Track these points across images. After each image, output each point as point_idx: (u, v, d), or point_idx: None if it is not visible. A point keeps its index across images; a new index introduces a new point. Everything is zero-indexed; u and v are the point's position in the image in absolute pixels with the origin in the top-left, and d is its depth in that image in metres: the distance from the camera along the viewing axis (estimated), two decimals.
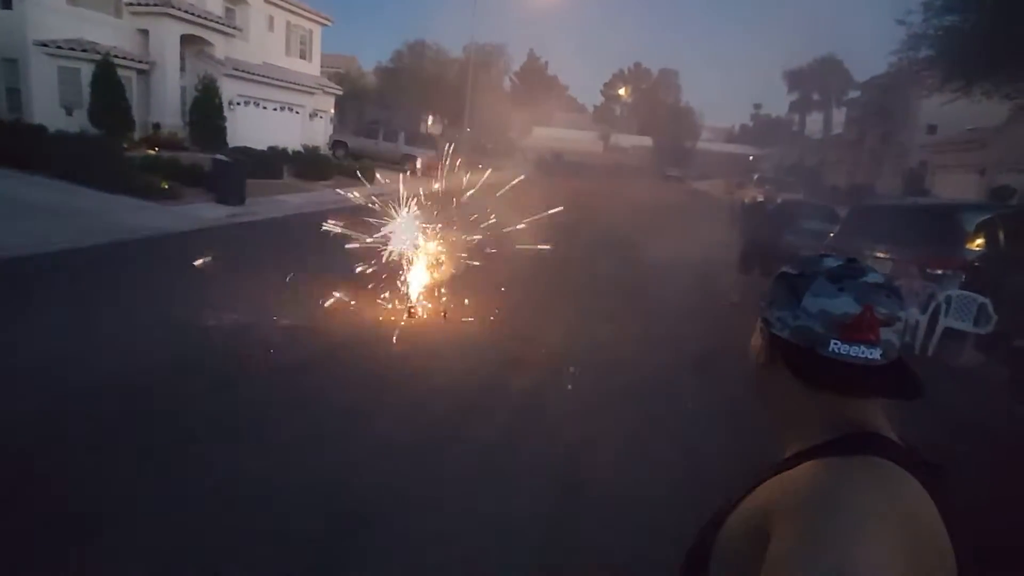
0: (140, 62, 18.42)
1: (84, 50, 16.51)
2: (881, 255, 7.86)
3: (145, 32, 18.77)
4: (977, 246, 7.42)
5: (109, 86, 16.02)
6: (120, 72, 16.72)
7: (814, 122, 52.61)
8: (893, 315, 0.85)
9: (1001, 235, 7.83)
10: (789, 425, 0.92)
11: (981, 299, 6.65)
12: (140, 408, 4.06)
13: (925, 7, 17.31)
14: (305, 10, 26.54)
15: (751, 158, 64.78)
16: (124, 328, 5.50)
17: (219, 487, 3.28)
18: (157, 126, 18.33)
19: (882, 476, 0.78)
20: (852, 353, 0.84)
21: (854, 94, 45.56)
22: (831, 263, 0.90)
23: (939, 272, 7.03)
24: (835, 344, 0.84)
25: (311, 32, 27.71)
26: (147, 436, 3.72)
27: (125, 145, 14.77)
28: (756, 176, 23.94)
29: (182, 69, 19.86)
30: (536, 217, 7.80)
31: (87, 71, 16.27)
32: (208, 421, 4.01)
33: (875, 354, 0.84)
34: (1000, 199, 20.51)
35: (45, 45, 16.14)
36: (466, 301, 7.16)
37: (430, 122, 44.20)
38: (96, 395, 4.18)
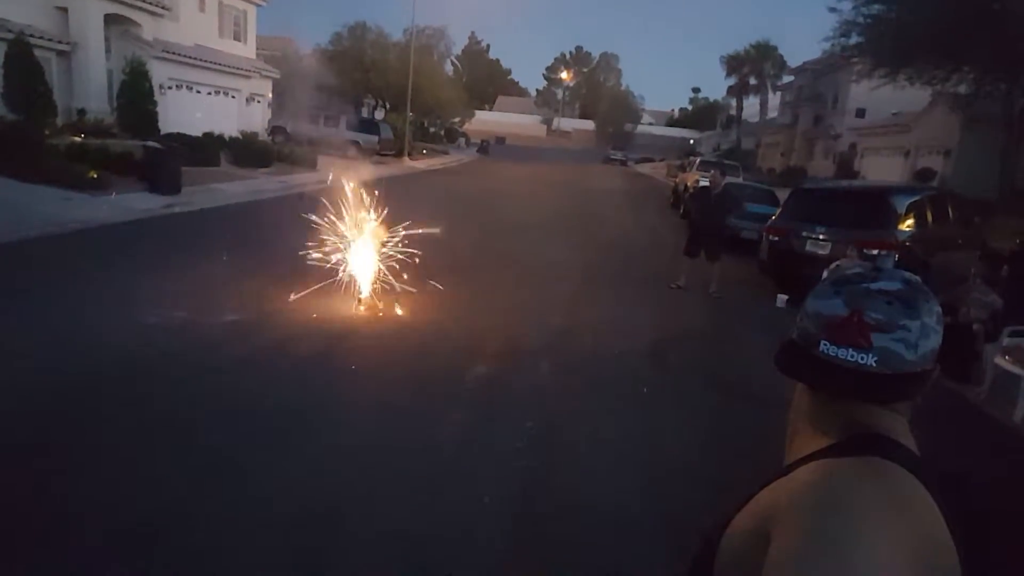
0: (59, 42, 17.28)
1: None
2: (821, 237, 8.19)
3: (64, 10, 17.58)
4: (908, 227, 7.81)
5: (25, 68, 14.95)
6: (37, 53, 15.63)
7: (751, 106, 54.07)
8: (892, 322, 0.84)
9: (928, 216, 8.28)
10: (802, 429, 0.94)
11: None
12: (74, 411, 3.85)
13: None
14: None
15: (691, 141, 66.22)
16: (55, 328, 5.19)
17: (167, 489, 3.16)
18: (82, 111, 17.28)
19: (885, 477, 0.79)
20: (840, 355, 0.85)
21: (788, 79, 47.02)
22: (849, 270, 0.92)
23: (875, 252, 7.38)
24: (824, 345, 0.86)
25: (245, 13, 26.58)
26: (82, 441, 3.54)
27: (47, 132, 13.87)
28: (698, 160, 24.42)
29: (108, 51, 18.74)
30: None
31: None
32: (147, 422, 3.83)
33: (867, 359, 0.84)
34: (923, 181, 21.65)
35: None
36: (416, 290, 7.08)
37: (372, 107, 43.27)
38: (26, 398, 3.94)
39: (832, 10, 18.82)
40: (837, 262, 7.26)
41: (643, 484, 3.73)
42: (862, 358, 0.84)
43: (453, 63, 67.76)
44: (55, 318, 5.41)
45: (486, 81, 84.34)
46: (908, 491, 0.78)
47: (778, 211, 9.75)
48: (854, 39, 19.28)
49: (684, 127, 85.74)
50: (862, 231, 7.70)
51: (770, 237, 9.05)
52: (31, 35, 15.80)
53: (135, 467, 3.34)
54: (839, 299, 0.87)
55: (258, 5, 27.28)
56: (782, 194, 10.98)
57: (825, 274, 0.93)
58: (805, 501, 0.77)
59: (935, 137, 23.87)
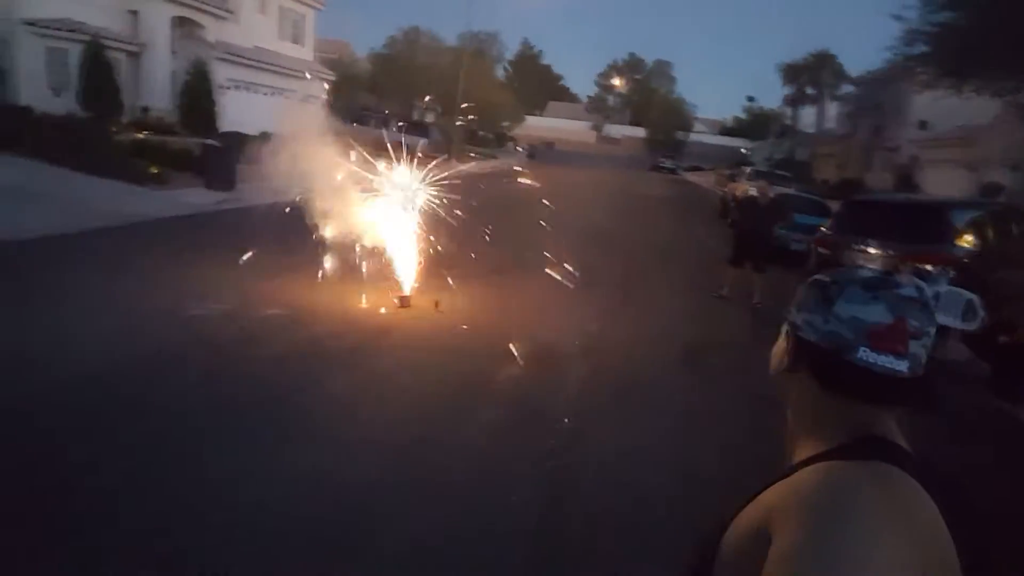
0: (130, 44, 18.16)
1: (72, 30, 16.24)
2: (872, 251, 7.90)
3: (135, 13, 18.49)
4: (967, 243, 7.46)
5: (98, 68, 15.78)
6: (109, 54, 16.48)
7: (807, 116, 52.71)
8: (923, 329, 0.85)
9: (990, 232, 7.89)
10: (805, 431, 0.93)
11: (968, 295, 6.68)
12: (121, 400, 4.01)
13: (923, 2, 17.32)
14: None
15: (743, 151, 64.86)
16: (107, 317, 5.44)
17: (206, 481, 3.26)
18: (146, 109, 18.10)
19: (888, 481, 0.78)
20: (880, 363, 0.84)
21: (847, 89, 45.66)
22: (866, 273, 0.91)
23: (928, 268, 7.07)
24: (864, 351, 0.84)
25: (304, 16, 27.40)
26: (128, 429, 3.68)
27: (113, 128, 14.56)
28: (749, 169, 23.94)
29: (173, 52, 19.59)
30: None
31: (75, 52, 16.02)
32: (192, 412, 3.97)
33: (902, 366, 0.84)
34: (989, 196, 20.68)
35: (33, 24, 15.88)
36: (456, 290, 7.14)
37: (422, 110, 43.87)
38: (73, 387, 4.12)
39: (896, 18, 18.15)
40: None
41: (671, 490, 3.67)
42: (897, 365, 0.84)
43: (505, 68, 68.16)
44: (106, 306, 5.67)
45: (537, 86, 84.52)
46: (911, 496, 0.78)
47: (828, 223, 9.47)
48: (919, 48, 18.56)
49: (737, 136, 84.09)
50: (916, 246, 7.39)
51: (819, 249, 8.79)
52: (105, 37, 16.64)
53: (167, 454, 3.47)
54: (881, 305, 0.85)
55: (316, 9, 28.05)
56: (837, 207, 10.64)
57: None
58: (808, 503, 0.77)
59: (1003, 150, 22.80)
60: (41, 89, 16.04)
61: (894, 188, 28.07)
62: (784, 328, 0.98)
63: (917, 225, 8.02)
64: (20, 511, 2.80)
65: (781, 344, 0.99)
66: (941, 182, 26.74)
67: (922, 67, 19.87)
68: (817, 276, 0.96)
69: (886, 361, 0.84)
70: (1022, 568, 2.66)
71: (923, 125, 31.28)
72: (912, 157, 31.20)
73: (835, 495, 0.76)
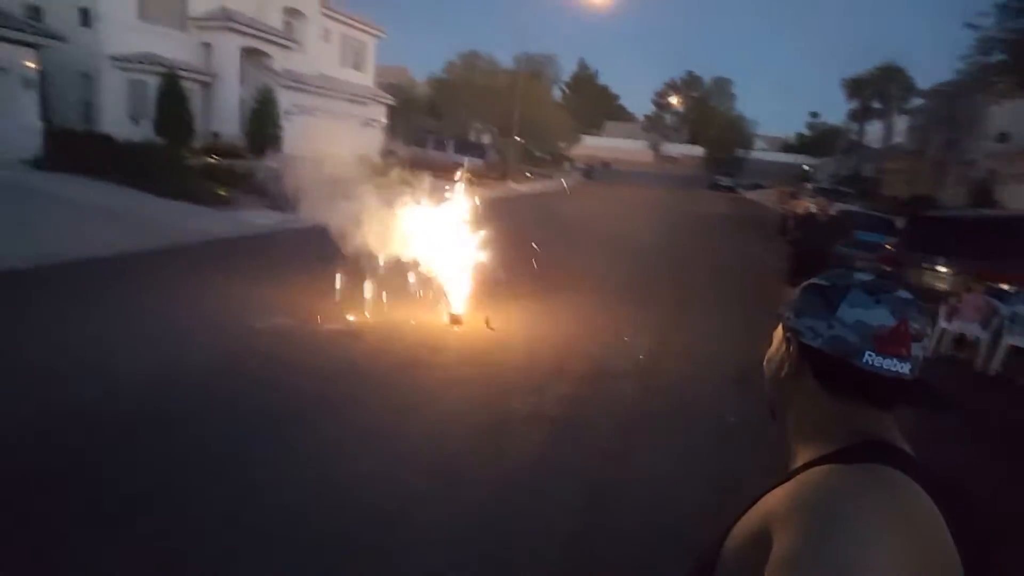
0: (203, 74, 19.22)
1: (152, 64, 17.34)
2: (941, 268, 7.52)
3: (208, 46, 19.59)
4: None
5: (174, 98, 16.77)
6: (184, 84, 17.49)
7: (874, 131, 50.85)
8: (923, 331, 0.85)
9: None
10: (804, 436, 0.92)
11: None
12: (179, 408, 4.21)
13: (999, 9, 16.59)
14: (360, 23, 27.23)
15: (805, 167, 63.00)
16: (177, 327, 5.73)
17: (242, 487, 3.36)
18: (216, 135, 19.06)
19: (888, 484, 0.78)
20: (885, 366, 0.84)
21: (916, 102, 43.85)
22: (863, 276, 0.91)
23: (1005, 287, 6.68)
24: (869, 356, 0.84)
25: (365, 44, 28.41)
26: (174, 434, 3.85)
27: (186, 154, 15.39)
28: (811, 186, 23.25)
29: (241, 80, 20.62)
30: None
31: (154, 84, 17.09)
32: (244, 423, 4.12)
33: (905, 368, 0.84)
34: None
35: (117, 59, 17.04)
36: (510, 311, 7.17)
37: (479, 131, 44.59)
38: (132, 394, 4.35)
39: (970, 26, 17.45)
40: (958, 297, 6.64)
41: (716, 511, 3.56)
42: (902, 368, 0.84)
43: (562, 89, 68.62)
44: (177, 317, 5.98)
45: (594, 106, 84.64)
46: (912, 499, 0.77)
47: (895, 240, 9.10)
48: (995, 57, 17.74)
49: (800, 153, 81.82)
50: (990, 263, 7.00)
51: (882, 268, 8.44)
52: (181, 69, 17.69)
53: (210, 459, 3.60)
54: (884, 308, 0.85)
55: (377, 37, 29.04)
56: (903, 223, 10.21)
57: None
58: (808, 506, 0.77)
59: None
60: (121, 118, 17.15)
61: (971, 204, 26.65)
62: (782, 335, 0.97)
63: (992, 241, 7.61)
64: (63, 505, 2.96)
65: (776, 351, 0.98)
66: (1023, 197, 25.23)
67: (1000, 76, 18.97)
68: (813, 280, 0.95)
69: (891, 364, 0.84)
70: None
71: (1003, 137, 29.70)
72: (990, 171, 29.61)
73: (835, 498, 0.75)
